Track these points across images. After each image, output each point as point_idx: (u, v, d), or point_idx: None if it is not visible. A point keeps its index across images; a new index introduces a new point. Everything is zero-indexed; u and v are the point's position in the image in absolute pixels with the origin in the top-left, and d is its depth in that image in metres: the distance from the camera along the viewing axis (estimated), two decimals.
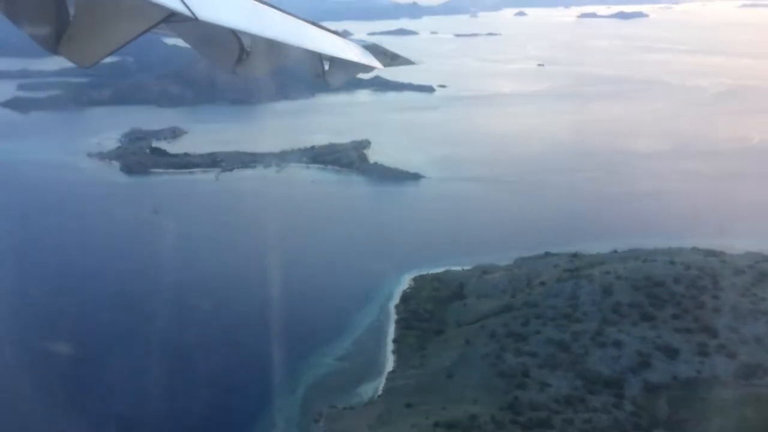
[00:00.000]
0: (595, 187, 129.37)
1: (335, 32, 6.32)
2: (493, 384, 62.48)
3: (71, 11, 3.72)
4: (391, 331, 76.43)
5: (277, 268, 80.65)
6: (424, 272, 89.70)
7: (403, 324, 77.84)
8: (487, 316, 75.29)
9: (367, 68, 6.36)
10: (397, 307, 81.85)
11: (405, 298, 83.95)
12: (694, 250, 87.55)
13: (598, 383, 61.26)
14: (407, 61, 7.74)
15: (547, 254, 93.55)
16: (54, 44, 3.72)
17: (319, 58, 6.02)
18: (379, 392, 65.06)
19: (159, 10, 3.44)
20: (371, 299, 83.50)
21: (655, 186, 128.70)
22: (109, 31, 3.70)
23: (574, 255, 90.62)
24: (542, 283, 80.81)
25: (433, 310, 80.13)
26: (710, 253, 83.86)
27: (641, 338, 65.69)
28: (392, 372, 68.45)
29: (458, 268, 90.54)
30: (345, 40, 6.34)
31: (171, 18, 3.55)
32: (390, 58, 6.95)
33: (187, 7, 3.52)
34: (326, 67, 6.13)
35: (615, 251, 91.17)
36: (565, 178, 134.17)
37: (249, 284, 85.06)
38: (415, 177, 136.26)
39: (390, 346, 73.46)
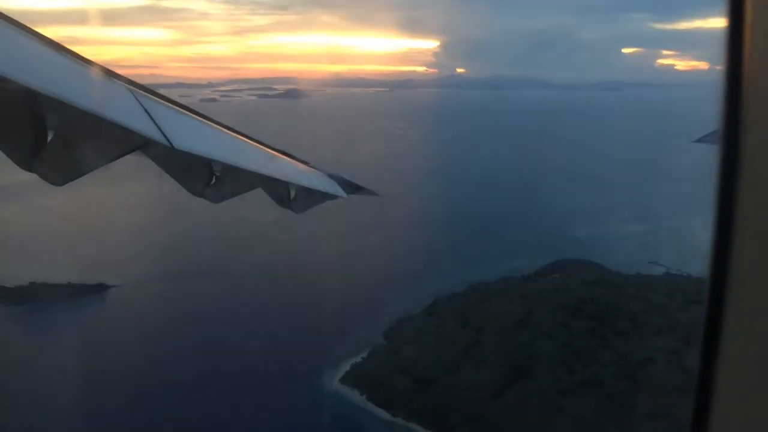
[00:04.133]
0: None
1: (304, 162, 6.92)
2: None
3: (49, 133, 3.76)
4: None
5: None
6: None
7: None
8: None
9: (332, 197, 6.98)
10: None
11: None
12: None
13: None
14: (371, 192, 8.32)
15: None
16: (28, 163, 3.73)
17: (286, 186, 6.40)
18: None
19: (137, 138, 3.58)
20: None
21: None
22: (85, 155, 3.80)
23: None
24: None
25: None
26: None
27: None
28: None
29: None
30: (312, 169, 6.94)
31: (147, 144, 3.71)
32: (354, 189, 7.51)
33: (165, 136, 3.68)
34: (293, 195, 6.56)
35: None
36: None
37: None
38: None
39: None
